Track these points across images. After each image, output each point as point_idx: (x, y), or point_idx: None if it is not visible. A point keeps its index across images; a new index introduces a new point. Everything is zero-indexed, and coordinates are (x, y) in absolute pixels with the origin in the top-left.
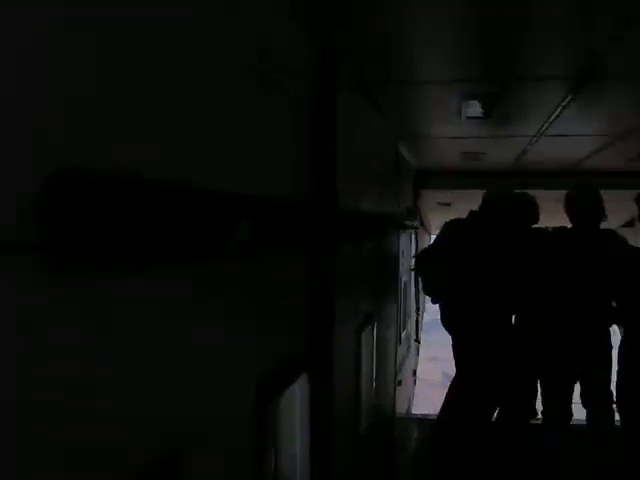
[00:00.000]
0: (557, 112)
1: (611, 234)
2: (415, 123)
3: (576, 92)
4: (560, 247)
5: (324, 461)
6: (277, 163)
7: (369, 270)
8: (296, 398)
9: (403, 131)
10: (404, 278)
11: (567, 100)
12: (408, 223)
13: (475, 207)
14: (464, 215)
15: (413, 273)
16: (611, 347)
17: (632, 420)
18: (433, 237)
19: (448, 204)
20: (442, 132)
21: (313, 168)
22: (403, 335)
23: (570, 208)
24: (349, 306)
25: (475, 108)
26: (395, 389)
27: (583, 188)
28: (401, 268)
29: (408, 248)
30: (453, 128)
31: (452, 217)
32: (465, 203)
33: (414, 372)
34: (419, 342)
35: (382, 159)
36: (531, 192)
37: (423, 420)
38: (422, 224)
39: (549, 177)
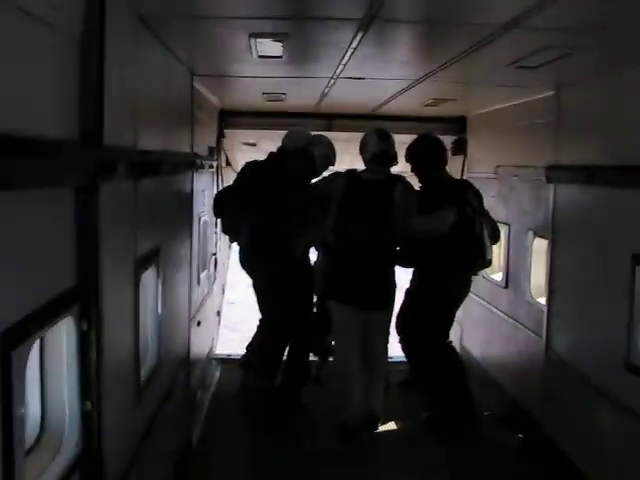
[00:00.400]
0: (349, 54)
1: (398, 179)
2: (209, 61)
3: (365, 34)
4: (349, 190)
5: (94, 404)
6: (32, 98)
7: (153, 209)
8: (62, 340)
9: (198, 69)
10: (204, 218)
11: (357, 42)
12: (206, 162)
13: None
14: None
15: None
16: (393, 286)
17: (414, 349)
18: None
19: (254, 144)
20: (239, 71)
21: (79, 105)
22: (203, 275)
23: (363, 152)
24: (124, 245)
25: (267, 47)
26: (190, 330)
27: (374, 132)
28: (199, 208)
29: (210, 187)
30: (250, 67)
31: (257, 156)
32: (271, 143)
33: (218, 313)
34: (215, 279)
35: (172, 97)
36: (334, 134)
37: (226, 360)
38: (229, 164)
39: (352, 120)
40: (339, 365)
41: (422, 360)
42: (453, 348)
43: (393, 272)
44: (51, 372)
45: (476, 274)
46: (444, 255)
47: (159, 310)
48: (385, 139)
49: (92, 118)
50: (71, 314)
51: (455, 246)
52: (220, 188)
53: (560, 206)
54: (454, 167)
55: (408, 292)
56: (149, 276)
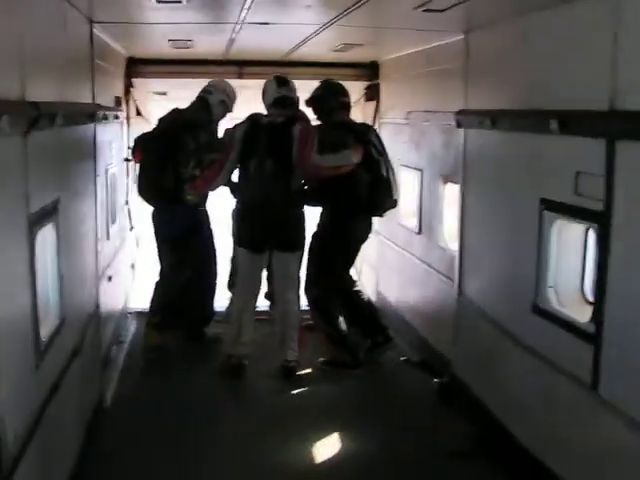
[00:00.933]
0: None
1: (297, 118)
2: (108, 7)
3: None
4: (250, 133)
5: None
6: None
7: (48, 163)
8: None
9: (97, 15)
10: (112, 170)
11: None
12: (110, 113)
13: (191, 95)
14: (180, 104)
15: (125, 163)
16: (303, 227)
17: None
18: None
19: (164, 93)
20: (141, 17)
21: None
22: (113, 229)
23: (264, 99)
24: (13, 203)
25: None
26: (99, 285)
27: (273, 79)
28: (106, 159)
29: (118, 139)
30: (152, 13)
31: (171, 106)
32: (182, 92)
33: (132, 266)
34: (132, 229)
35: (69, 46)
36: (245, 82)
37: (142, 314)
38: (139, 114)
39: (263, 67)
40: (238, 308)
41: (326, 302)
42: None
43: (302, 213)
44: None
45: (382, 216)
46: (352, 196)
47: (61, 268)
48: (284, 84)
49: None
50: None
51: (362, 187)
52: (128, 140)
53: (470, 151)
54: (367, 113)
55: (316, 236)
56: (47, 233)
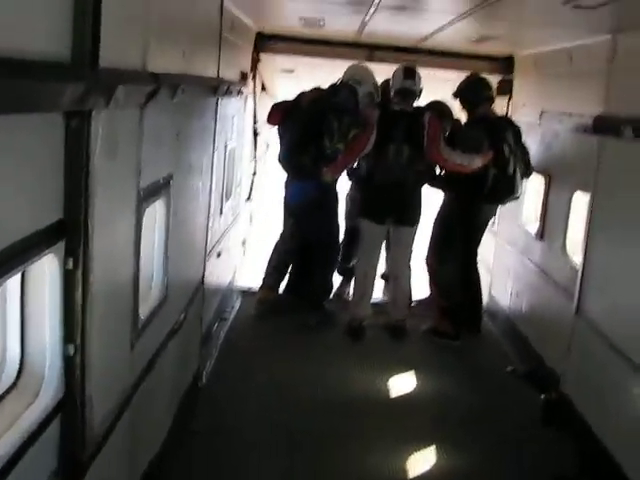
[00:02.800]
0: None
1: (427, 109)
2: None
3: None
4: (383, 119)
5: (77, 348)
6: (17, 14)
7: (165, 137)
8: (45, 279)
9: None
10: (231, 144)
11: None
12: (234, 88)
13: (318, 75)
14: (306, 84)
15: (254, 139)
16: (421, 206)
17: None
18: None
19: (291, 71)
20: None
21: (73, 21)
22: (227, 205)
23: (391, 86)
24: (125, 176)
25: None
26: (206, 262)
27: (401, 69)
28: (226, 135)
29: (241, 114)
30: None
31: (296, 84)
32: (309, 70)
33: (243, 242)
34: (249, 199)
35: (197, 16)
36: (376, 66)
37: (246, 292)
38: (264, 89)
39: (394, 52)
40: (361, 272)
41: (444, 282)
42: (477, 271)
43: (421, 193)
44: (32, 312)
45: (504, 204)
46: (476, 187)
47: (169, 244)
48: (410, 76)
49: (86, 36)
50: (55, 251)
51: (487, 181)
52: (255, 115)
53: (605, 159)
54: (498, 108)
55: (440, 216)
56: (157, 208)
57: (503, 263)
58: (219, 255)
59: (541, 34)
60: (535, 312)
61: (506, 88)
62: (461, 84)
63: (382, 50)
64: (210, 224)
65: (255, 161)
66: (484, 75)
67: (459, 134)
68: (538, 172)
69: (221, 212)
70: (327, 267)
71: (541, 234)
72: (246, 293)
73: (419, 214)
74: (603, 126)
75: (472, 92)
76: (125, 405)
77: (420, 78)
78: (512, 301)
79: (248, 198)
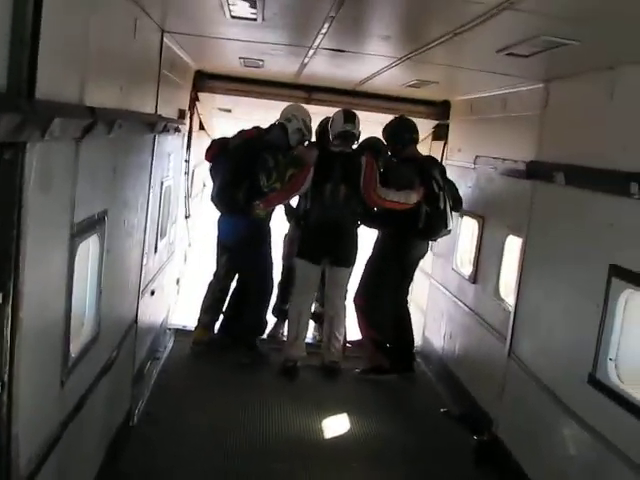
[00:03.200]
0: (328, 24)
1: (362, 151)
2: (181, 18)
3: (343, 2)
4: (322, 159)
5: (4, 386)
6: None
7: (101, 172)
8: None
9: (169, 25)
10: (167, 182)
11: (335, 11)
12: (172, 125)
13: (258, 116)
14: (243, 123)
15: (186, 177)
16: (357, 246)
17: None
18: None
19: (229, 110)
20: (213, 31)
21: (10, 51)
22: (162, 243)
23: (331, 129)
24: (58, 211)
25: (240, 8)
26: (140, 300)
27: (341, 113)
28: (162, 172)
29: (178, 151)
30: (224, 28)
31: (234, 124)
32: (247, 110)
33: (177, 281)
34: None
35: (136, 53)
36: (314, 108)
37: (181, 330)
38: (202, 128)
39: (332, 94)
40: (295, 312)
41: (376, 318)
42: (408, 309)
43: (357, 234)
44: None
45: (435, 240)
46: (410, 224)
47: (102, 280)
48: (350, 120)
49: (23, 65)
50: None
51: (420, 217)
52: (189, 154)
53: (537, 204)
54: (434, 153)
55: (374, 253)
56: (91, 244)
57: (437, 305)
58: (153, 293)
59: (476, 80)
60: (468, 354)
61: (442, 133)
62: (387, 126)
63: (320, 92)
64: (144, 262)
65: (186, 202)
66: (416, 118)
67: (392, 172)
68: (472, 215)
69: (156, 250)
70: (259, 305)
71: (474, 277)
72: (180, 332)
73: (355, 254)
74: (536, 171)
75: (398, 134)
76: (53, 445)
77: (359, 121)
78: (446, 343)
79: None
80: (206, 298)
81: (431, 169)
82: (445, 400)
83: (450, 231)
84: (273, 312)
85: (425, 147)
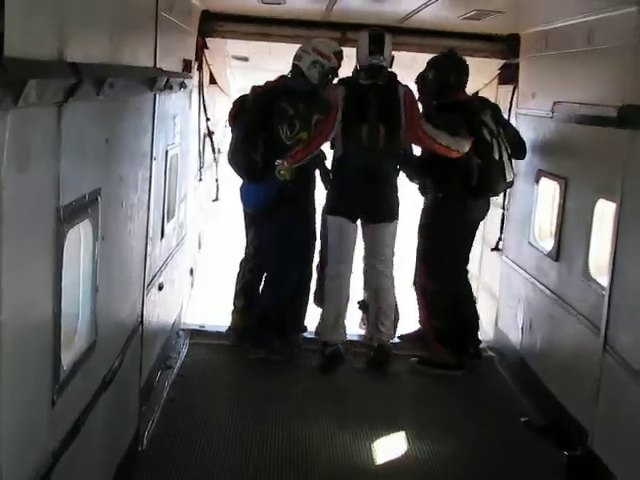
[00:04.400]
0: None
1: (399, 82)
2: None
3: None
4: (355, 95)
5: None
6: None
7: (90, 142)
8: None
9: None
10: (173, 150)
11: None
12: (176, 81)
13: (281, 66)
14: (266, 75)
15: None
16: (398, 199)
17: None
18: (231, 99)
19: (245, 59)
20: None
21: None
22: (170, 226)
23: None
24: (40, 193)
25: None
26: (146, 296)
27: (366, 37)
28: (167, 139)
29: (184, 112)
30: None
31: (253, 75)
32: (267, 59)
33: (191, 271)
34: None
35: None
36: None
37: (197, 332)
38: (213, 82)
39: None
40: (333, 285)
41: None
42: (469, 284)
43: (397, 184)
44: None
45: (497, 195)
46: (461, 180)
47: (97, 275)
48: (378, 50)
49: None
50: None
51: (472, 172)
52: (202, 111)
53: (635, 159)
54: (502, 101)
55: (425, 224)
56: (82, 231)
57: (511, 289)
58: (161, 288)
59: (552, 5)
60: (553, 349)
61: (510, 74)
62: (429, 66)
63: (356, 31)
64: (149, 250)
65: (201, 173)
66: (476, 58)
67: (432, 120)
68: (551, 176)
69: (162, 235)
70: (300, 291)
71: (557, 253)
72: (196, 333)
73: (397, 206)
74: (631, 118)
75: (441, 75)
76: (45, 478)
77: (390, 44)
78: (524, 336)
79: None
80: (237, 280)
81: (481, 113)
82: (525, 407)
83: (512, 184)
84: (315, 300)
85: (490, 93)
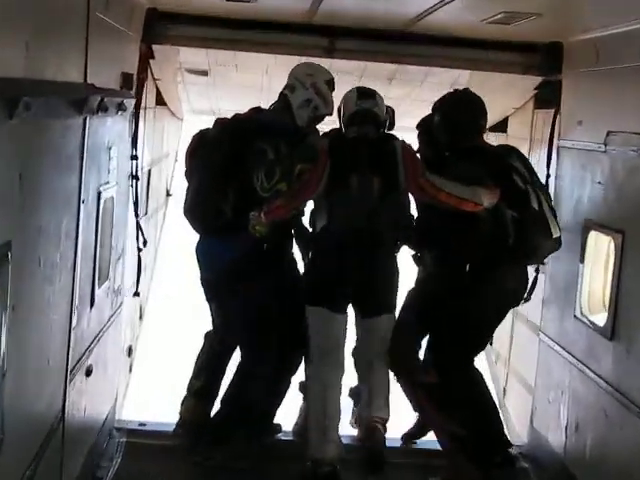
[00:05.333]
0: None
1: (393, 136)
2: None
3: None
4: (341, 145)
5: None
6: None
7: None
8: None
9: None
10: (108, 192)
11: None
12: (113, 101)
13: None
14: (228, 91)
15: (134, 182)
16: (398, 276)
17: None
18: (185, 124)
19: (204, 72)
20: None
21: None
22: (102, 290)
23: (340, 116)
24: None
25: None
26: (67, 384)
27: (354, 90)
28: (100, 176)
29: (123, 141)
30: None
31: (212, 93)
32: (232, 72)
33: (129, 350)
34: (138, 295)
35: None
36: (339, 64)
37: (136, 432)
38: (161, 102)
39: (368, 40)
40: (317, 389)
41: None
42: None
43: (397, 262)
44: None
45: (543, 262)
46: (491, 239)
47: (5, 356)
48: (368, 96)
49: None
50: None
51: (506, 228)
52: (134, 144)
53: None
54: (538, 129)
55: (434, 301)
56: None
57: (552, 376)
58: (89, 373)
59: (605, 6)
60: (607, 457)
61: (550, 95)
62: (436, 108)
63: (349, 38)
64: (74, 323)
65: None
66: (505, 73)
67: (448, 169)
68: (604, 230)
69: (92, 303)
70: (278, 380)
71: (612, 330)
72: (135, 433)
73: (396, 294)
74: None
75: (453, 120)
76: None
77: (382, 101)
78: (569, 438)
79: (135, 293)
80: (200, 354)
81: (508, 158)
82: None
83: (559, 244)
84: (300, 388)
85: (524, 120)
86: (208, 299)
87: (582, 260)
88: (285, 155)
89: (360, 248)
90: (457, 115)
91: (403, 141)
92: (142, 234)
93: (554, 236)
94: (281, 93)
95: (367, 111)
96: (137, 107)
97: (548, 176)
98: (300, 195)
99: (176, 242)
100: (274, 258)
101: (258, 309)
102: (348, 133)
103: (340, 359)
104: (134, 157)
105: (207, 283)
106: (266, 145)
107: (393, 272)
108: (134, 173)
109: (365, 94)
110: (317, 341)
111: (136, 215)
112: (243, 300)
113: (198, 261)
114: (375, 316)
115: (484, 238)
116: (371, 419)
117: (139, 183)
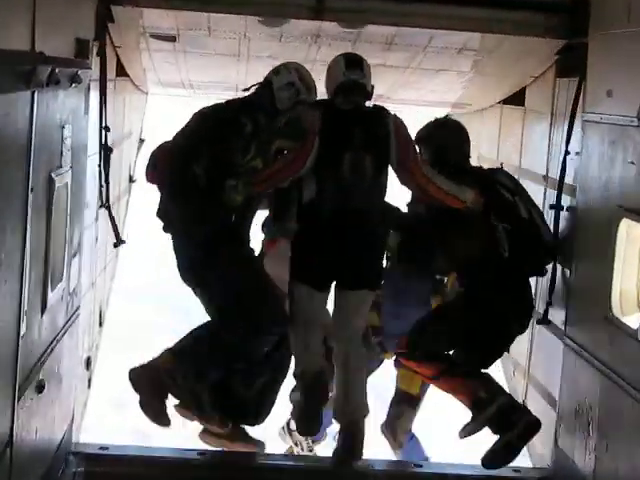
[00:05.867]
0: None
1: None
2: None
3: None
4: (332, 120)
5: None
6: None
7: None
8: None
9: None
10: (61, 179)
11: None
12: (66, 72)
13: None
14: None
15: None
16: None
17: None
18: (150, 98)
19: (172, 38)
20: None
21: None
22: (55, 294)
23: (327, 84)
24: None
25: None
26: (14, 403)
27: (341, 58)
28: (51, 160)
29: (79, 118)
30: None
31: (182, 62)
32: (205, 38)
33: (88, 362)
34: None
35: None
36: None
37: (96, 457)
38: (125, 74)
39: None
40: (299, 328)
41: None
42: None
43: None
44: None
45: (542, 273)
46: (486, 253)
47: None
48: (356, 65)
49: None
50: None
51: (499, 240)
52: (104, 118)
53: None
54: (560, 101)
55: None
56: None
57: (579, 389)
58: (41, 389)
59: None
60: None
61: (574, 62)
62: (419, 138)
63: None
64: (22, 331)
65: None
66: (523, 37)
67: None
68: (636, 217)
69: (44, 307)
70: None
71: None
72: (95, 459)
73: (381, 272)
74: None
75: (436, 147)
76: None
77: (370, 71)
78: (599, 460)
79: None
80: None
81: (494, 175)
82: None
83: (555, 252)
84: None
85: (544, 90)
86: (193, 288)
87: (612, 253)
88: (263, 130)
89: (350, 222)
90: (441, 144)
91: (395, 116)
92: (114, 226)
93: (546, 240)
94: (265, 78)
95: (355, 83)
96: (102, 79)
97: (567, 153)
98: (282, 172)
99: (141, 234)
100: (241, 232)
101: (238, 273)
102: (338, 102)
103: (320, 327)
104: (105, 128)
105: (184, 269)
106: (245, 119)
107: (380, 253)
108: (105, 145)
109: (353, 63)
110: (299, 315)
111: (107, 201)
112: (222, 269)
113: (175, 254)
114: (360, 289)
115: (476, 252)
116: (350, 421)
117: (91, 170)
